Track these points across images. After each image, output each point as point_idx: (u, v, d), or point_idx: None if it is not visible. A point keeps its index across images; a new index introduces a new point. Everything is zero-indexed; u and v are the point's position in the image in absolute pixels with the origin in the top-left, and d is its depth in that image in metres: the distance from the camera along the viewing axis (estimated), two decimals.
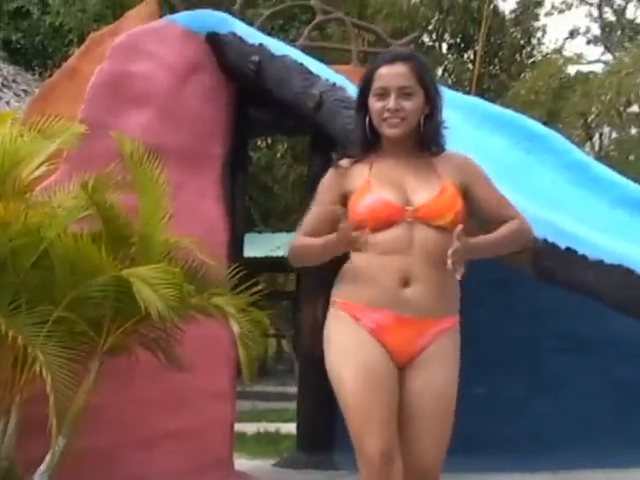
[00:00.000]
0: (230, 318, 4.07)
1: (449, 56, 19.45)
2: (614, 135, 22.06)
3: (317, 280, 6.05)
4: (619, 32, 22.23)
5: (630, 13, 22.95)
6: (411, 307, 2.82)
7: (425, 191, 2.87)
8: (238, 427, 6.00)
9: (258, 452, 7.33)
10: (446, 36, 19.51)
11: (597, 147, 21.65)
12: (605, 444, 6.22)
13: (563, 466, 6.11)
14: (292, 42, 7.44)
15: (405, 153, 2.95)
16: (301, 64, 5.35)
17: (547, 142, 6.39)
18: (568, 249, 4.54)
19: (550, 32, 20.96)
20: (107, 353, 4.25)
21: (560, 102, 17.66)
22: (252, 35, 5.65)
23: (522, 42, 19.97)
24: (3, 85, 11.21)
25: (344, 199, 2.93)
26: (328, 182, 2.99)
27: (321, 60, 5.86)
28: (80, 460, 4.22)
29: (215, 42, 5.60)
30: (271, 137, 15.67)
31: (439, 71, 18.47)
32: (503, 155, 6.09)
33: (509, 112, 7.04)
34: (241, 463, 6.06)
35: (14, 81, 11.74)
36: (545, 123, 10.31)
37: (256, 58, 5.47)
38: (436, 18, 18.95)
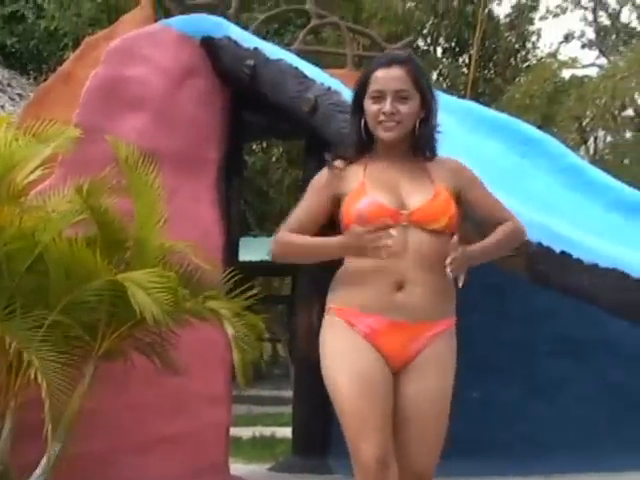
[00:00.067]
0: (225, 321, 4.07)
1: (444, 60, 19.47)
2: (609, 139, 22.11)
3: (312, 284, 6.05)
4: (614, 36, 22.27)
5: (625, 17, 22.94)
6: (405, 311, 2.82)
7: (419, 195, 2.87)
8: (233, 431, 5.99)
9: (253, 456, 7.32)
10: (441, 40, 19.53)
11: (592, 151, 21.69)
12: (600, 448, 6.22)
13: (557, 470, 6.12)
14: (287, 46, 7.45)
15: (399, 156, 2.95)
16: (296, 68, 5.35)
17: (542, 146, 6.40)
18: (563, 253, 4.55)
19: (545, 36, 21.09)
20: (102, 357, 4.24)
21: (555, 106, 17.69)
22: (247, 39, 5.66)
23: (517, 46, 19.99)
24: None
25: (336, 201, 2.93)
26: (321, 182, 2.98)
27: (316, 64, 5.87)
28: (75, 465, 4.22)
29: (210, 46, 5.60)
30: (266, 141, 15.65)
31: (434, 75, 18.48)
32: (498, 159, 6.10)
33: (504, 116, 7.05)
34: (237, 467, 6.05)
35: (9, 85, 11.74)
36: (540, 127, 10.32)
37: (251, 62, 5.47)
38: (431, 22, 18.97)
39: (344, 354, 2.81)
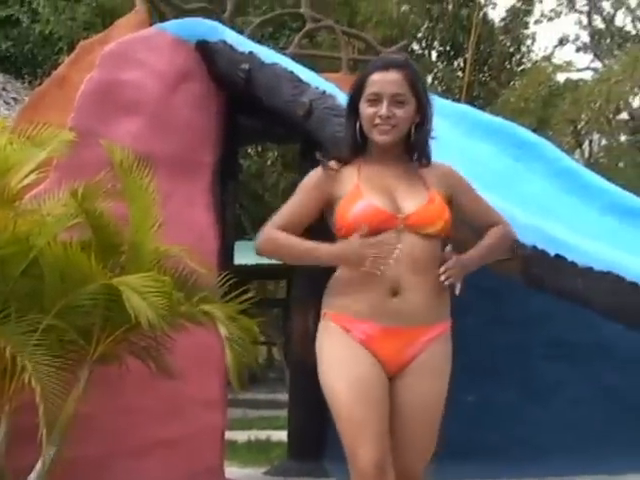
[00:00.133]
0: (218, 322, 4.06)
1: (439, 64, 19.47)
2: (603, 142, 22.14)
3: (308, 288, 6.05)
4: (608, 40, 22.30)
5: (619, 21, 23.05)
6: (400, 317, 2.83)
7: (414, 199, 2.88)
8: (229, 435, 5.99)
9: (249, 460, 7.31)
10: (436, 44, 19.54)
11: (587, 154, 21.72)
12: (595, 450, 6.23)
13: (552, 472, 6.12)
14: (282, 50, 7.46)
15: (393, 160, 2.96)
16: (291, 72, 5.35)
17: (537, 149, 6.40)
18: (557, 256, 4.55)
19: (540, 40, 21.13)
20: (97, 362, 4.24)
21: (550, 109, 17.71)
22: (242, 43, 5.66)
23: (512, 50, 20.00)
24: None
25: (328, 202, 2.92)
26: (315, 181, 2.98)
27: (311, 68, 5.87)
28: (70, 469, 4.21)
29: (205, 50, 5.60)
30: (261, 145, 15.66)
31: (429, 79, 18.49)
32: (493, 162, 6.11)
33: (499, 120, 7.06)
34: (232, 471, 6.04)
35: (4, 89, 11.74)
36: (535, 130, 10.35)
37: (246, 66, 5.47)
38: (426, 26, 18.98)
39: (341, 360, 2.82)
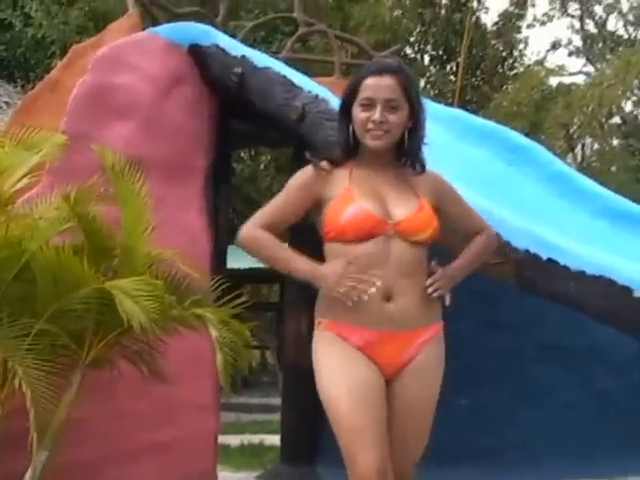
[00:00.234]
0: (210, 326, 4.06)
1: (431, 68, 19.51)
2: (596, 146, 22.22)
3: (301, 291, 6.03)
4: (600, 44, 22.38)
5: (611, 25, 23.13)
6: (396, 321, 2.85)
7: (404, 206, 2.90)
8: (222, 439, 5.98)
9: (242, 464, 7.31)
10: (428, 48, 19.58)
11: (579, 158, 21.79)
12: (589, 454, 6.23)
13: (547, 476, 6.12)
14: (275, 54, 7.45)
15: (384, 165, 2.97)
16: (284, 76, 5.35)
17: (529, 153, 6.41)
18: (550, 260, 4.55)
19: (532, 44, 21.21)
20: (89, 366, 4.22)
21: (542, 113, 17.75)
22: (235, 47, 5.65)
23: (504, 54, 20.05)
24: None
25: (317, 202, 2.93)
26: (303, 181, 2.98)
27: (304, 72, 5.87)
28: (63, 474, 4.20)
29: (198, 54, 5.60)
30: (254, 149, 15.65)
31: (422, 83, 18.53)
32: (485, 166, 6.11)
33: (491, 124, 7.06)
34: (225, 476, 6.04)
35: None
36: (527, 134, 10.36)
37: (239, 70, 5.46)
38: (418, 30, 19.02)
39: (340, 367, 2.82)
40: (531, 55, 31.48)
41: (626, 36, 22.07)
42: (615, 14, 22.07)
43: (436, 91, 18.46)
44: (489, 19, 40.66)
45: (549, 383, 6.64)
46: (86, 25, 15.00)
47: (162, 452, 5.09)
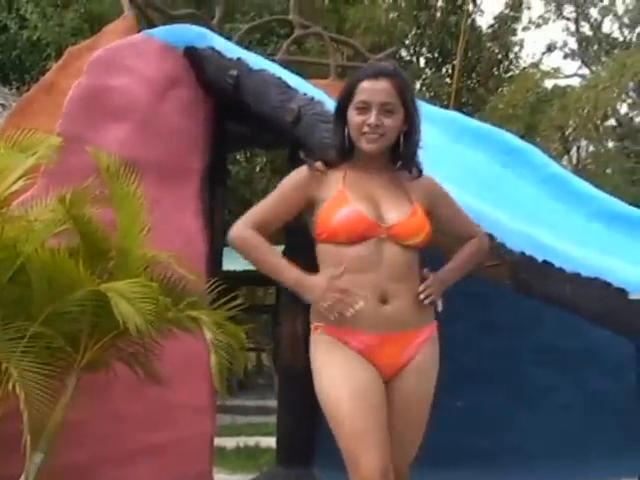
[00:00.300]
0: (204, 328, 4.05)
1: (427, 70, 19.53)
2: (591, 148, 22.25)
3: (296, 294, 6.04)
4: (596, 46, 22.42)
5: (606, 27, 23.15)
6: (394, 323, 2.86)
7: (397, 210, 2.91)
8: (218, 441, 5.97)
9: (238, 467, 7.30)
10: (424, 50, 19.60)
11: (574, 160, 21.82)
12: (584, 456, 6.24)
13: (542, 478, 6.13)
14: (270, 56, 7.45)
15: (378, 169, 2.98)
16: (279, 78, 5.35)
17: (524, 156, 6.41)
18: (545, 262, 4.55)
19: (527, 46, 21.22)
20: (84, 368, 4.21)
21: (538, 116, 17.78)
22: (230, 49, 5.65)
23: (500, 56, 20.07)
24: None
25: (309, 203, 2.93)
26: (297, 182, 2.98)
27: (299, 74, 5.87)
28: (58, 476, 4.19)
29: (193, 56, 5.60)
30: (250, 151, 15.65)
31: (417, 85, 18.54)
32: (481, 169, 6.12)
33: (487, 126, 7.07)
34: (221, 478, 6.04)
35: None
36: (523, 137, 10.37)
37: (234, 72, 5.46)
38: (414, 33, 19.04)
39: (341, 370, 2.83)
40: (526, 58, 31.52)
41: (621, 39, 22.12)
42: (610, 17, 22.14)
43: (432, 93, 18.47)
44: (484, 22, 40.72)
45: (545, 385, 6.64)
46: (81, 27, 14.99)
47: (158, 454, 5.09)
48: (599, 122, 18.50)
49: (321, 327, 2.89)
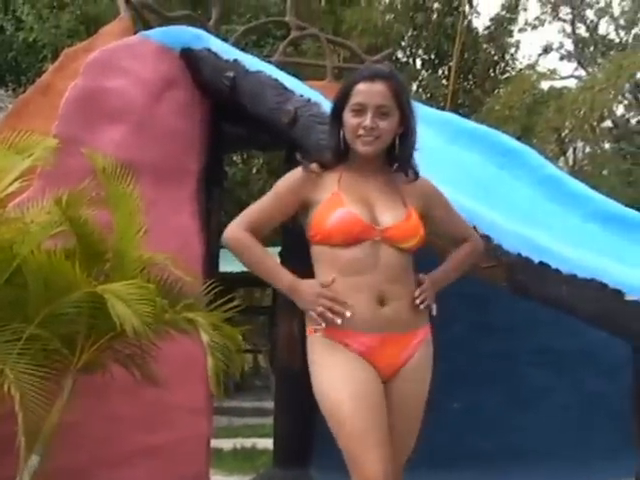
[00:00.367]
0: (200, 328, 4.05)
1: (423, 72, 19.53)
2: (587, 150, 22.26)
3: None
4: (592, 48, 22.43)
5: (603, 29, 23.19)
6: (393, 325, 2.87)
7: (392, 213, 2.92)
8: (214, 443, 5.98)
9: (234, 468, 7.31)
10: (420, 52, 19.60)
11: (571, 162, 21.84)
12: (581, 456, 6.25)
13: (539, 479, 6.13)
14: (267, 58, 7.45)
15: (373, 171, 2.98)
16: (276, 80, 5.36)
17: (521, 157, 6.42)
18: (542, 263, 4.56)
19: (524, 48, 21.25)
20: (81, 370, 4.21)
21: (534, 117, 17.78)
22: (227, 51, 5.66)
23: (496, 58, 20.07)
24: None
25: (304, 205, 2.94)
26: (293, 182, 2.99)
27: (296, 76, 5.87)
28: (55, 478, 4.18)
29: (190, 58, 5.60)
30: (247, 152, 15.65)
31: (414, 87, 18.54)
32: (477, 170, 6.12)
33: (483, 127, 7.08)
34: (217, 479, 6.03)
35: None
36: (519, 138, 10.39)
37: (231, 74, 5.47)
38: (410, 34, 19.04)
39: (342, 371, 2.83)
40: (523, 59, 31.54)
41: (617, 40, 22.13)
42: (606, 18, 22.15)
43: (428, 95, 18.47)
44: (481, 23, 40.67)
45: (541, 386, 6.65)
46: (78, 29, 14.97)
47: (155, 456, 5.08)
48: (595, 123, 18.50)
49: (320, 329, 2.89)
